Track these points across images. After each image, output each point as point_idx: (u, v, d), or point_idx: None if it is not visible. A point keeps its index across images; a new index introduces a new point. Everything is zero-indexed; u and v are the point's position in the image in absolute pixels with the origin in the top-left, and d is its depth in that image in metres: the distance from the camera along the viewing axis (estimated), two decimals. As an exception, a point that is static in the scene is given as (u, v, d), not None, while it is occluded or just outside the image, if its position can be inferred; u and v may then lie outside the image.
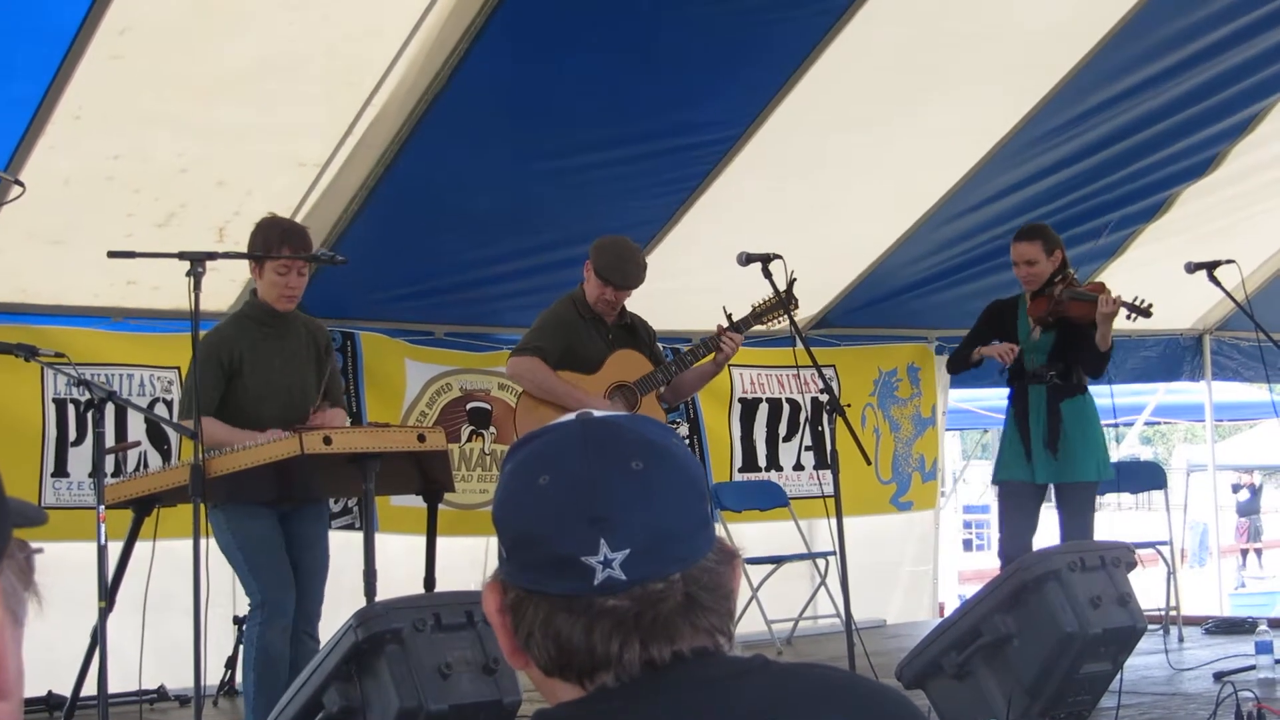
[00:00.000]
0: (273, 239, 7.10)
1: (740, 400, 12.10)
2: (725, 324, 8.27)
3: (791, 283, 7.93)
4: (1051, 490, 9.20)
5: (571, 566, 1.71)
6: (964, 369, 9.44)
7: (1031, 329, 9.08)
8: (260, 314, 7.21)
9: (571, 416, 1.82)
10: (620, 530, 1.70)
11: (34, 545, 1.32)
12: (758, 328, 8.60)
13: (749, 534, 11.41)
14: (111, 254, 6.87)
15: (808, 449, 12.31)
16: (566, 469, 1.74)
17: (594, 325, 8.22)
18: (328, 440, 6.75)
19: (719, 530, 10.87)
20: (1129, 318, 8.92)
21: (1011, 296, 9.35)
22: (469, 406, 10.87)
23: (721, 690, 1.74)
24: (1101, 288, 9.03)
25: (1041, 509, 9.24)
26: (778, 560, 11.17)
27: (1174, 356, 14.24)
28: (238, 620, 8.58)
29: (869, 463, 8.31)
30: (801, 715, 1.74)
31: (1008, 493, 9.28)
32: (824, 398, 7.69)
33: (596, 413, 1.82)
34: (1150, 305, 8.91)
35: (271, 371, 7.17)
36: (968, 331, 9.47)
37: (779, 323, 8.34)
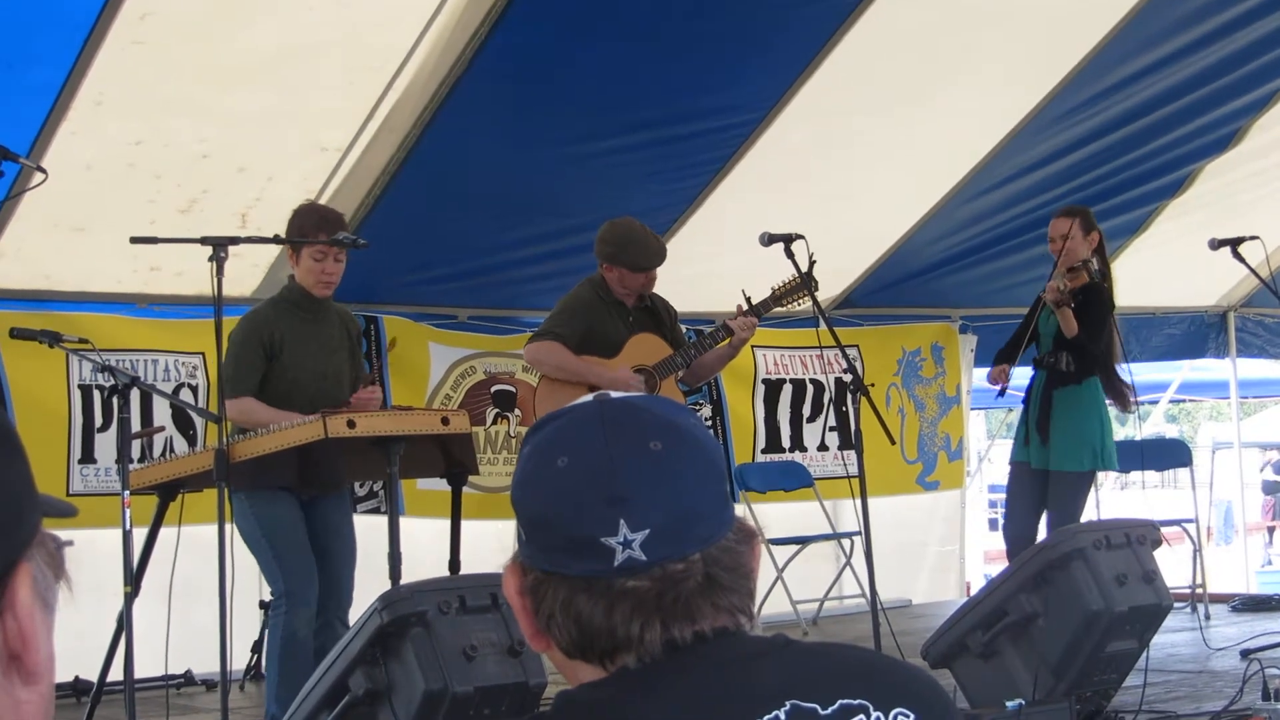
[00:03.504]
0: (308, 225, 7.11)
1: (764, 381, 12.09)
2: (744, 306, 8.25)
3: (811, 264, 7.90)
4: None
5: (591, 548, 1.71)
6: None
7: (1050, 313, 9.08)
8: (298, 298, 7.21)
9: (589, 397, 1.82)
10: (640, 511, 1.70)
11: (65, 538, 1.33)
12: (779, 309, 8.58)
13: (773, 515, 11.40)
14: (134, 239, 6.88)
15: (832, 429, 12.30)
16: (585, 450, 1.74)
17: (614, 309, 8.21)
18: (351, 424, 6.76)
19: (741, 510, 10.85)
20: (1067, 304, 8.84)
21: None
22: (493, 389, 10.88)
23: (743, 670, 1.74)
24: (1072, 275, 8.95)
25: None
26: (802, 541, 11.17)
27: (1198, 334, 14.20)
28: (263, 605, 8.59)
29: (893, 442, 8.31)
30: (824, 695, 1.74)
31: (1011, 475, 9.36)
32: (847, 378, 7.67)
33: (614, 394, 1.83)
34: (1071, 296, 8.83)
35: (308, 356, 7.17)
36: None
37: (800, 304, 8.32)
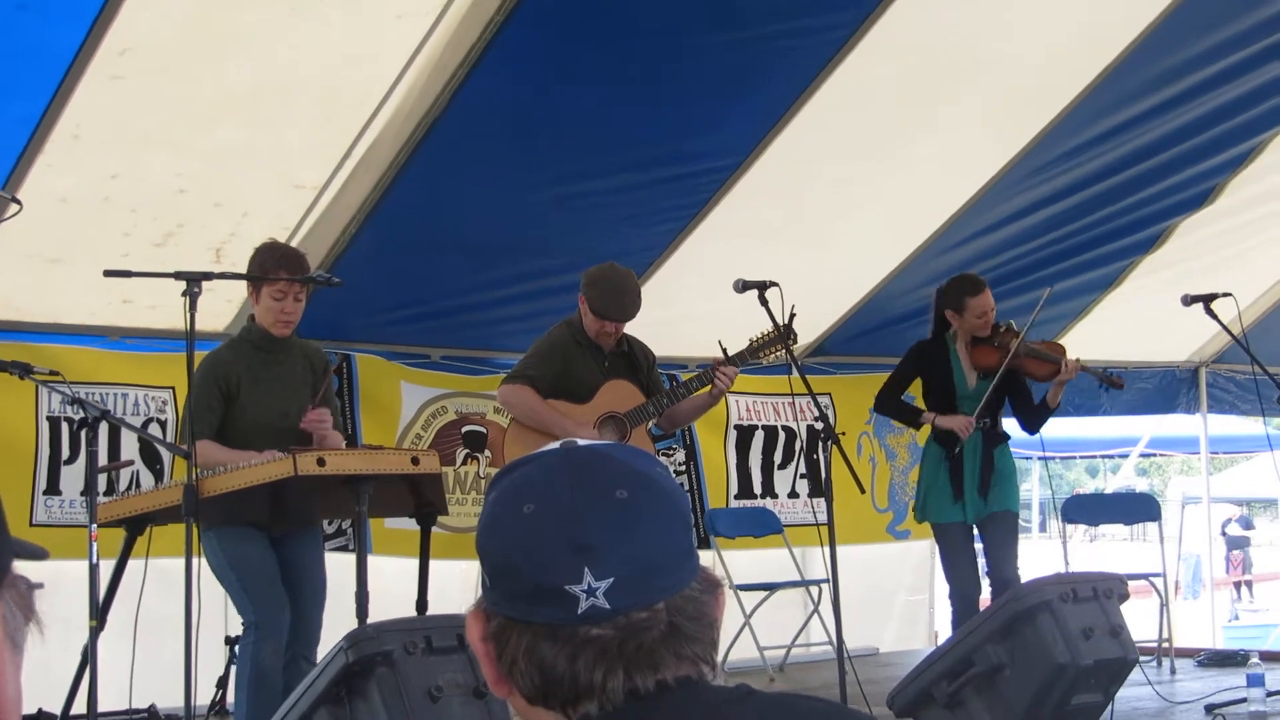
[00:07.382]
0: (269, 263, 7.10)
1: (736, 427, 12.10)
2: (722, 358, 8.24)
3: (791, 317, 7.90)
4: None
5: (555, 595, 1.70)
6: (898, 419, 9.59)
7: (968, 375, 9.14)
8: (258, 339, 7.20)
9: (556, 445, 1.82)
10: (604, 559, 1.70)
11: (35, 581, 1.33)
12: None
13: (742, 561, 11.40)
14: (108, 273, 6.87)
15: (802, 477, 12.30)
16: (551, 497, 1.74)
17: (590, 352, 8.21)
18: (321, 462, 6.75)
19: (709, 557, 10.87)
20: (1101, 387, 8.97)
21: (933, 340, 9.36)
22: (464, 430, 10.87)
23: (706, 719, 1.74)
24: (1062, 351, 9.12)
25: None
26: (770, 587, 11.16)
27: (1170, 389, 14.25)
28: (229, 640, 8.56)
29: (863, 491, 8.31)
30: (785, 745, 1.74)
31: (945, 534, 9.21)
32: (819, 426, 7.68)
33: (581, 441, 1.82)
34: (1121, 379, 9.02)
35: (269, 397, 7.16)
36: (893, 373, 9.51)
37: (776, 354, 8.32)
